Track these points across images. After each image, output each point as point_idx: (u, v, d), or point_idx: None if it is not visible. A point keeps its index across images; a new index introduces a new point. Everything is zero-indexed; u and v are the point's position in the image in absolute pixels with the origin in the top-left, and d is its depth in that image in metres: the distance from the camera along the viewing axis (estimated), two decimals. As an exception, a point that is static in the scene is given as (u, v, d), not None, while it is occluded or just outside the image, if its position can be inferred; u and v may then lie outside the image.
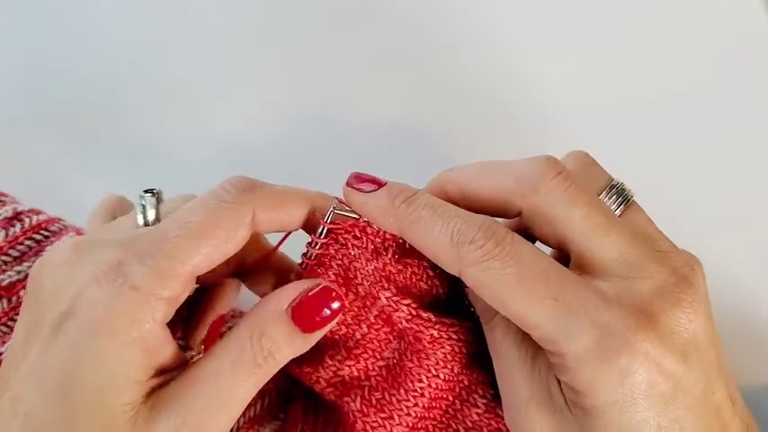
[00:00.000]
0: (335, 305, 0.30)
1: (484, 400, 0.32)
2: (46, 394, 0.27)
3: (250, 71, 0.50)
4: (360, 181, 0.30)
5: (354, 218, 0.30)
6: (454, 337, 0.31)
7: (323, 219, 0.30)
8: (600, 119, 0.49)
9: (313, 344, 0.30)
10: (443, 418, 0.32)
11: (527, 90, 0.50)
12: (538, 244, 0.30)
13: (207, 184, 0.46)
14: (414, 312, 0.30)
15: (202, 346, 0.34)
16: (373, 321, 0.31)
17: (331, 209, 0.30)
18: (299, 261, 0.31)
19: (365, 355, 0.32)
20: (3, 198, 0.43)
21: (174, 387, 0.28)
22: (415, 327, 0.30)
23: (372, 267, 0.30)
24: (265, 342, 0.29)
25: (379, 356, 0.32)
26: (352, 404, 0.31)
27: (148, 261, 0.27)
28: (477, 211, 0.30)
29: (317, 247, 0.30)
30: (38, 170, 0.46)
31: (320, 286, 0.30)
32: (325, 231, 0.30)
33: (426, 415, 0.32)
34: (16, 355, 0.28)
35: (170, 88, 0.49)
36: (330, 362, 0.32)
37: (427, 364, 0.31)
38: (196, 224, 0.28)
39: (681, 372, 0.26)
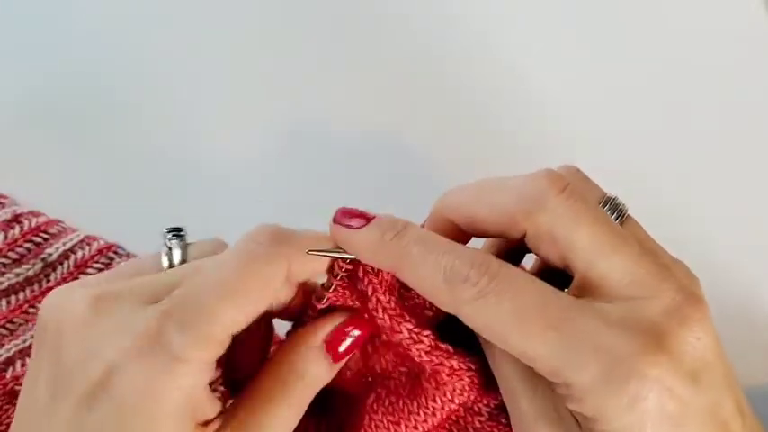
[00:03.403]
0: (357, 332, 0.30)
1: (488, 409, 0.31)
2: None
3: (248, 78, 0.50)
4: (347, 216, 0.29)
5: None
6: (473, 367, 0.30)
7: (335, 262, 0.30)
8: (597, 120, 0.49)
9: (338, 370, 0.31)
10: (446, 424, 0.32)
11: (524, 100, 0.49)
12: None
13: (206, 186, 0.46)
14: (433, 344, 0.30)
15: None
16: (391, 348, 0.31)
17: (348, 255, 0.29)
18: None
19: (387, 356, 0.32)
20: (2, 200, 0.43)
21: None
22: (434, 359, 0.30)
23: (393, 300, 0.30)
24: (308, 380, 0.29)
25: (400, 362, 0.32)
26: (367, 399, 0.32)
27: (188, 328, 0.26)
28: (481, 235, 0.30)
29: (331, 290, 0.30)
30: (38, 171, 0.46)
31: (348, 317, 0.30)
32: (340, 275, 0.30)
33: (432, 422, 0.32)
34: (39, 416, 0.27)
35: (170, 90, 0.49)
36: (358, 353, 0.32)
37: (444, 390, 0.31)
38: (232, 282, 0.27)
39: (690, 392, 0.25)
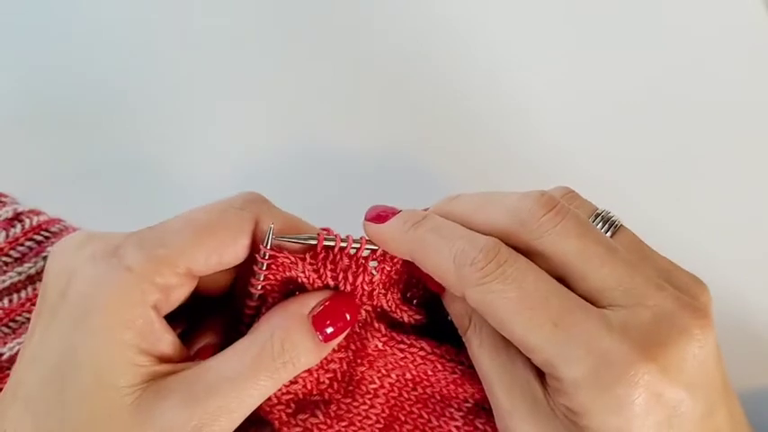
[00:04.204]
0: (348, 316, 0.30)
1: (461, 413, 0.32)
2: (43, 376, 0.27)
3: (241, 78, 0.50)
4: (376, 212, 0.31)
5: (298, 242, 0.30)
6: (398, 351, 0.31)
7: (262, 244, 0.29)
8: (596, 120, 0.49)
9: (325, 355, 0.31)
10: None
11: (507, 94, 0.49)
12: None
13: (206, 188, 0.46)
14: (368, 320, 0.31)
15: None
16: None
17: (270, 235, 0.29)
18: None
19: (315, 366, 0.32)
20: (3, 199, 0.43)
21: (185, 377, 0.28)
22: (363, 332, 0.32)
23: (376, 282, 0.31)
24: (287, 346, 0.29)
25: (326, 368, 0.32)
26: (312, 419, 0.32)
27: (146, 246, 0.28)
28: None
29: (264, 268, 0.30)
30: (38, 170, 0.46)
31: (336, 295, 0.30)
32: (267, 256, 0.29)
33: (397, 428, 0.32)
34: (24, 342, 0.29)
35: (169, 90, 0.49)
36: None
37: (377, 366, 0.32)
38: (199, 222, 0.29)
39: (681, 400, 0.26)
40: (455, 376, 0.31)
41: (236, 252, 0.29)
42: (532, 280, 0.27)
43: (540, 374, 0.28)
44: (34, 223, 0.42)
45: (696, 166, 0.48)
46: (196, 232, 0.28)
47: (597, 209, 0.31)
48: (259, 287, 0.30)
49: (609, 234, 0.30)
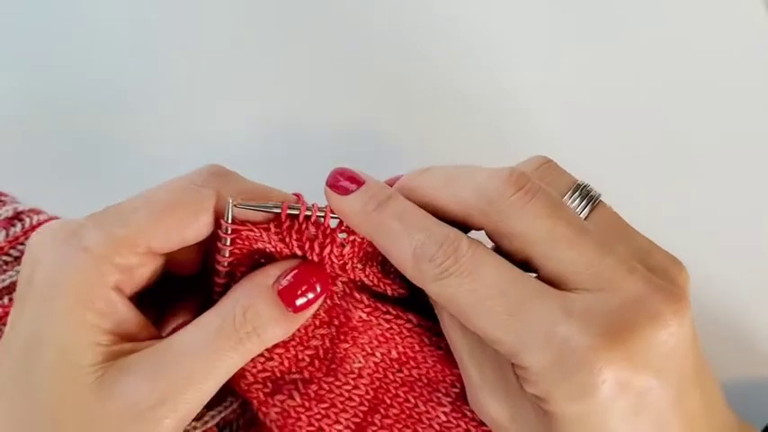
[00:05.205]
0: (319, 287, 0.29)
1: (449, 398, 0.31)
2: (13, 362, 0.27)
3: (240, 78, 0.50)
4: (340, 179, 0.30)
5: (259, 208, 0.29)
6: (384, 322, 0.31)
7: (223, 219, 0.29)
8: (593, 120, 0.49)
9: (296, 328, 0.30)
10: (408, 422, 0.31)
11: (506, 93, 0.49)
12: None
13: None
14: (347, 291, 0.30)
15: None
16: None
17: (229, 209, 0.28)
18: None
19: (293, 342, 0.31)
20: (3, 198, 0.43)
21: (149, 354, 0.28)
22: (344, 304, 0.31)
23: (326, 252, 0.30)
24: (250, 316, 0.28)
25: (306, 344, 0.31)
26: (289, 401, 0.31)
27: (104, 227, 0.28)
28: (443, 220, 0.30)
29: (228, 243, 0.29)
30: (38, 170, 0.46)
31: (305, 264, 0.29)
32: (230, 231, 0.29)
33: (383, 412, 0.31)
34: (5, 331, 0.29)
35: (169, 90, 0.49)
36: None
37: (362, 343, 0.31)
38: (158, 200, 0.28)
39: (649, 387, 0.25)
40: (440, 352, 0.31)
41: (198, 229, 0.29)
42: (490, 271, 0.27)
43: None
44: (34, 222, 0.42)
45: (696, 166, 0.48)
46: (155, 211, 0.28)
47: (576, 181, 0.29)
48: (225, 263, 0.30)
49: (587, 209, 0.29)
